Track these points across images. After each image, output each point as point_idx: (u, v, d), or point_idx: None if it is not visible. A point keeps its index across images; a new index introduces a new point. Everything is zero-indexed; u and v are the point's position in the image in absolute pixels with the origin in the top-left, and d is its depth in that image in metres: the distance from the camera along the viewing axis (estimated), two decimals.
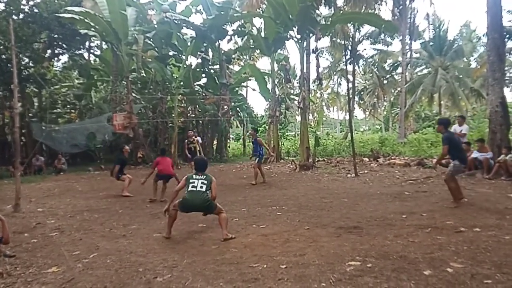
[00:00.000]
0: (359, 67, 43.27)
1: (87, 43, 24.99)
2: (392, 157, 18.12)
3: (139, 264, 4.82)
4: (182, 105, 25.66)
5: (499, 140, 11.54)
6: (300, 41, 17.13)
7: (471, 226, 5.75)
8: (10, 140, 20.17)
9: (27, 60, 20.60)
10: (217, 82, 23.43)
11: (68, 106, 25.63)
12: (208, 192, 5.97)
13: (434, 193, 8.84)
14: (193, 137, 14.96)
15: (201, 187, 5.94)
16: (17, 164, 9.35)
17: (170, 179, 10.05)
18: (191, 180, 6.03)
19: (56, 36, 20.57)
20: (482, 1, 12.21)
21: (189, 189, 5.96)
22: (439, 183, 10.42)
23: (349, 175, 13.20)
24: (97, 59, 26.82)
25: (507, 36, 20.61)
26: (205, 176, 6.09)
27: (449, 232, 5.52)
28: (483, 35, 26.74)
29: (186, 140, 15.08)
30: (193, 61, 24.17)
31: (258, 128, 39.29)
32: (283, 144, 26.55)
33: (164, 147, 15.61)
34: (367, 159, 17.79)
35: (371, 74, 44.66)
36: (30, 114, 22.14)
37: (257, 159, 12.63)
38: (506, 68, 26.41)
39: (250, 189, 11.26)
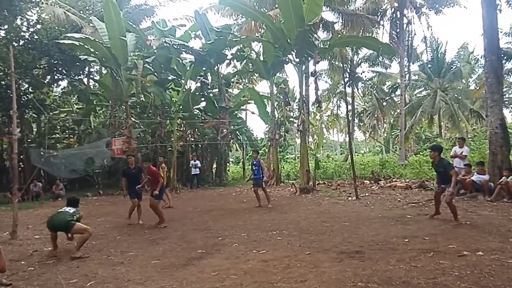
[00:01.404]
0: (358, 90, 43.52)
1: (86, 69, 25.18)
2: (393, 180, 18.09)
3: None
4: (181, 129, 25.69)
5: (500, 162, 11.50)
6: (298, 65, 17.26)
7: (474, 250, 5.67)
8: (8, 166, 20.09)
9: (26, 86, 20.69)
10: (216, 105, 23.52)
11: (67, 131, 25.61)
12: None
13: (437, 216, 8.75)
14: (163, 165, 14.49)
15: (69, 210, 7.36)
16: (14, 190, 9.29)
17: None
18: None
19: (56, 62, 20.72)
20: (479, 23, 12.35)
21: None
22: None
23: (350, 198, 13.13)
24: (97, 84, 26.99)
25: (505, 57, 20.80)
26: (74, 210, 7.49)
27: (452, 256, 5.45)
28: (481, 57, 26.99)
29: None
30: (192, 85, 24.33)
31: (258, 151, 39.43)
32: (283, 167, 26.50)
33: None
34: (368, 182, 17.75)
35: (370, 96, 44.83)
36: (29, 140, 22.12)
37: (263, 182, 12.54)
38: (504, 89, 26.56)
39: (250, 213, 11.16)
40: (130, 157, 11.06)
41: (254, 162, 12.81)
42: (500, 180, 10.91)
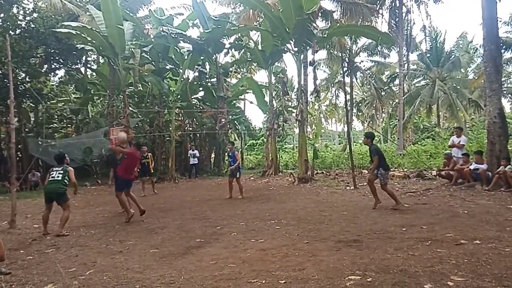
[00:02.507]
0: (356, 79, 43.48)
1: (84, 58, 25.07)
2: (391, 169, 18.09)
3: (136, 280, 4.73)
4: (180, 118, 25.66)
5: (498, 151, 11.51)
6: (297, 54, 17.19)
7: (472, 239, 5.69)
8: (6, 155, 20.06)
9: (23, 75, 20.58)
10: (215, 95, 23.47)
11: (64, 121, 25.57)
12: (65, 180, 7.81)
13: (434, 205, 8.79)
14: (147, 153, 14.80)
15: (58, 176, 7.81)
16: (13, 179, 9.27)
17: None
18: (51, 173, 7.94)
19: (52, 51, 20.61)
20: (478, 12, 12.30)
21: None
22: (438, 195, 10.42)
23: (348, 188, 13.15)
24: (94, 73, 26.88)
25: (504, 47, 20.74)
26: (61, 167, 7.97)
27: (449, 244, 5.46)
28: (480, 46, 26.94)
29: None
30: (190, 74, 24.28)
31: (256, 141, 39.42)
32: (282, 157, 26.53)
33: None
34: (366, 171, 17.76)
35: (368, 86, 44.78)
36: (26, 129, 22.08)
37: (238, 173, 12.61)
38: (503, 79, 26.52)
39: (248, 203, 11.18)
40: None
41: (230, 153, 12.89)
42: (498, 170, 10.93)
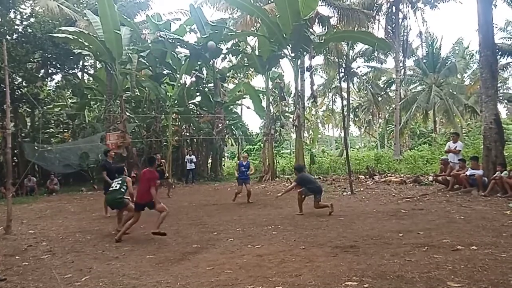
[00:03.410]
0: (353, 85, 43.59)
1: (80, 63, 25.02)
2: (388, 175, 18.13)
3: (132, 286, 4.74)
4: (177, 123, 25.62)
5: (494, 157, 11.53)
6: (294, 59, 17.25)
7: (468, 244, 5.70)
8: (2, 160, 19.97)
9: (20, 80, 20.53)
10: (212, 100, 23.47)
11: (61, 126, 25.48)
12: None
13: (431, 211, 8.80)
14: (161, 160, 15.12)
15: (116, 186, 8.10)
16: (8, 185, 9.23)
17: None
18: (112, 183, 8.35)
19: (49, 56, 20.57)
20: (474, 18, 12.35)
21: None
22: (435, 201, 10.43)
23: (345, 193, 13.15)
24: (91, 78, 26.84)
25: (500, 53, 20.84)
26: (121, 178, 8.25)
27: (446, 250, 5.47)
28: (476, 52, 27.06)
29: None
30: (187, 79, 24.25)
31: (253, 146, 39.42)
32: (279, 162, 26.49)
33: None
34: (363, 177, 17.78)
35: (365, 92, 44.92)
36: (23, 134, 21.98)
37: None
38: (499, 85, 26.65)
39: (245, 208, 11.17)
40: (111, 151, 11.77)
41: (244, 163, 12.86)
42: (494, 175, 10.96)
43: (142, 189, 7.55)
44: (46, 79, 24.33)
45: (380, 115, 50.15)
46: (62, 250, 6.90)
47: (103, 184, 11.03)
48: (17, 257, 6.47)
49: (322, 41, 17.91)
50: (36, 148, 18.65)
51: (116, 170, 8.92)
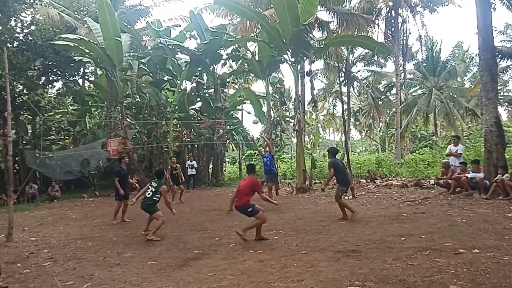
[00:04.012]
0: (353, 89, 43.59)
1: (81, 70, 25.10)
2: (389, 178, 18.10)
3: None
4: (177, 129, 25.64)
5: (495, 160, 11.51)
6: (294, 64, 17.24)
7: (470, 248, 5.69)
8: (3, 168, 20.00)
9: (21, 87, 20.60)
10: (212, 105, 23.49)
11: (62, 133, 25.55)
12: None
13: (433, 215, 8.78)
14: (176, 164, 15.26)
15: (149, 194, 8.41)
16: (10, 192, 9.23)
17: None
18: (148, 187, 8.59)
19: (50, 63, 20.65)
20: (473, 22, 12.37)
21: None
22: (437, 204, 10.41)
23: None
24: (92, 85, 26.92)
25: (499, 56, 20.85)
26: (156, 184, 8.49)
27: (448, 254, 5.46)
28: (476, 55, 27.07)
29: (169, 167, 15.15)
30: (187, 85, 24.29)
31: (254, 151, 39.37)
32: (280, 167, 26.46)
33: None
34: (364, 181, 17.75)
35: (366, 95, 44.93)
36: (24, 142, 22.03)
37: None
38: (499, 88, 26.65)
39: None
40: (126, 158, 11.90)
41: (265, 155, 12.64)
42: (496, 178, 10.94)
43: (242, 193, 7.44)
44: (47, 87, 24.41)
45: (381, 119, 50.16)
46: (63, 257, 6.90)
47: (114, 190, 11.03)
48: (18, 265, 6.47)
49: (322, 46, 17.91)
50: (37, 155, 18.70)
51: (156, 174, 9.10)
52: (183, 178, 15.83)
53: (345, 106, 36.23)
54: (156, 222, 8.27)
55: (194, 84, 24.23)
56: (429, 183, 14.87)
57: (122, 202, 10.64)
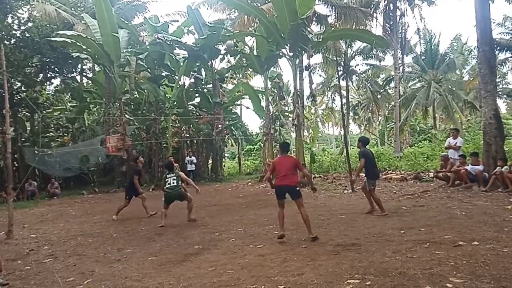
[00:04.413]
0: (352, 83, 43.51)
1: (79, 66, 25.08)
2: (389, 172, 18.12)
3: None
4: (176, 125, 25.65)
5: (494, 152, 11.53)
6: (292, 59, 17.21)
7: (470, 240, 5.70)
8: (2, 165, 20.00)
9: (19, 84, 20.58)
10: (211, 101, 23.46)
11: (61, 130, 25.53)
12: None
13: (432, 207, 8.79)
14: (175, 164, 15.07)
15: (174, 183, 9.20)
16: (9, 189, 9.24)
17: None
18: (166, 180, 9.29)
19: (48, 60, 20.62)
20: (472, 14, 12.36)
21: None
22: (436, 197, 10.43)
23: (346, 191, 13.14)
24: (90, 81, 26.91)
25: (498, 48, 20.82)
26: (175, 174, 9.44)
27: (447, 246, 5.47)
28: (474, 48, 27.03)
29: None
30: (186, 81, 24.24)
31: (253, 146, 39.41)
32: None
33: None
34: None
35: (364, 89, 44.85)
36: (23, 139, 22.02)
37: None
38: (498, 80, 26.60)
39: (247, 209, 11.16)
40: (140, 158, 12.28)
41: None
42: (495, 170, 10.96)
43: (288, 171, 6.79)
44: (45, 83, 24.38)
45: (380, 113, 50.10)
46: (64, 253, 6.91)
47: (128, 187, 11.11)
48: (19, 262, 6.48)
49: (320, 39, 17.86)
50: (36, 152, 18.68)
51: (167, 167, 10.04)
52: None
53: (344, 100, 36.23)
54: (189, 204, 9.34)
55: (192, 80, 24.17)
56: (428, 176, 14.89)
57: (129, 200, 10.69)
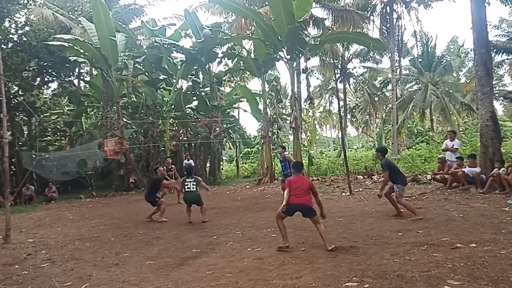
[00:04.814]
0: (349, 85, 43.65)
1: (77, 70, 25.06)
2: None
3: None
4: (174, 128, 25.63)
5: (491, 154, 11.56)
6: (290, 62, 17.28)
7: (467, 242, 5.71)
8: None
9: (16, 88, 20.56)
10: (208, 104, 23.46)
11: (58, 134, 25.50)
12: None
13: (430, 210, 8.81)
14: (171, 165, 14.91)
15: (193, 188, 9.72)
16: (7, 194, 9.21)
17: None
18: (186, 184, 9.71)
19: (45, 64, 20.60)
20: (468, 17, 12.40)
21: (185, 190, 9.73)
22: (434, 199, 10.44)
23: (343, 194, 13.15)
24: (87, 85, 26.87)
25: (494, 50, 20.89)
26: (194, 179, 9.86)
27: (445, 248, 5.48)
28: (471, 50, 27.14)
29: (164, 167, 14.81)
30: (183, 84, 24.24)
31: (251, 149, 39.41)
32: (277, 165, 26.48)
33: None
34: (361, 177, 17.78)
35: (362, 92, 45.02)
36: (20, 143, 21.98)
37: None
38: (494, 82, 26.71)
39: (245, 212, 11.15)
40: (160, 168, 12.46)
41: (281, 158, 12.78)
42: (492, 172, 10.99)
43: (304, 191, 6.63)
44: (42, 87, 24.37)
45: (377, 115, 50.23)
46: (61, 258, 6.88)
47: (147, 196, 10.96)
48: (16, 266, 6.45)
49: (317, 42, 17.94)
50: (33, 156, 18.64)
51: (187, 171, 10.23)
52: (179, 178, 15.56)
53: (342, 103, 36.29)
54: (202, 207, 9.91)
55: (190, 83, 24.19)
56: (426, 178, 14.91)
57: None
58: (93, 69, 24.72)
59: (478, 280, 4.15)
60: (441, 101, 34.71)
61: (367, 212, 9.12)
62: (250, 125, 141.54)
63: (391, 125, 33.54)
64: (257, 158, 32.26)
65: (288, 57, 17.14)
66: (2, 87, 9.38)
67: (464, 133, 34.18)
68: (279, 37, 16.33)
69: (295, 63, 18.20)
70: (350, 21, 24.33)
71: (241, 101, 28.24)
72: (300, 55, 17.82)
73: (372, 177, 17.26)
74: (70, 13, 23.36)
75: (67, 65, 21.47)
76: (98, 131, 23.78)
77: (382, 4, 29.43)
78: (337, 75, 35.88)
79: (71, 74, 24.06)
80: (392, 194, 8.45)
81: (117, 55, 19.22)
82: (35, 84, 22.33)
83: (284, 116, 28.50)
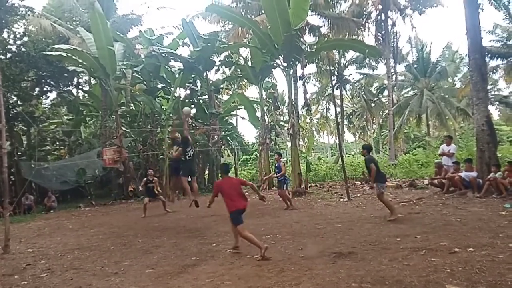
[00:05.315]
0: (346, 92, 43.74)
1: (75, 79, 25.10)
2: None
3: None
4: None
5: (487, 158, 11.63)
6: (286, 69, 17.34)
7: (465, 246, 5.75)
8: None
9: (15, 98, 20.60)
10: (206, 112, 23.52)
11: (57, 143, 25.49)
12: None
13: (427, 215, 8.85)
14: (153, 177, 14.68)
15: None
16: (6, 204, 9.23)
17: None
18: None
19: (44, 74, 20.67)
20: (462, 23, 12.51)
21: None
22: (431, 204, 10.49)
23: (342, 200, 13.20)
24: (86, 94, 26.90)
25: (489, 55, 21.04)
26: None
27: (443, 253, 5.52)
28: (465, 56, 27.27)
29: (145, 179, 14.62)
30: (181, 92, 24.29)
31: (249, 156, 39.40)
32: (275, 171, 26.51)
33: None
34: (359, 183, 17.84)
35: (358, 98, 45.08)
36: (19, 153, 21.97)
37: (284, 185, 12.63)
38: (489, 87, 26.82)
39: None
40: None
41: (276, 165, 12.96)
42: (489, 176, 11.05)
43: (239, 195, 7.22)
44: (41, 97, 24.41)
45: (374, 121, 50.28)
46: (61, 267, 6.89)
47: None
48: (16, 277, 6.45)
49: (314, 50, 18.03)
50: (32, 166, 18.65)
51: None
52: (159, 190, 15.27)
53: (338, 109, 36.39)
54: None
55: (188, 91, 24.24)
56: (423, 183, 14.98)
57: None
58: (92, 78, 24.76)
59: (476, 285, 4.19)
60: (437, 106, 34.85)
61: (365, 218, 9.16)
62: (248, 132, 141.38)
63: (388, 131, 33.62)
64: (255, 165, 32.23)
65: (285, 64, 17.20)
66: (1, 98, 9.42)
67: (460, 138, 34.28)
68: (276, 45, 16.41)
69: (291, 70, 18.25)
70: (346, 29, 24.46)
71: (239, 108, 28.31)
72: (297, 62, 17.91)
73: (370, 182, 17.28)
74: (68, 23, 23.43)
75: (66, 74, 21.54)
76: (97, 140, 23.79)
77: (377, 12, 29.59)
78: (334, 82, 35.95)
79: (69, 83, 24.13)
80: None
81: (115, 64, 19.29)
82: (34, 94, 22.37)
83: (282, 123, 28.54)
